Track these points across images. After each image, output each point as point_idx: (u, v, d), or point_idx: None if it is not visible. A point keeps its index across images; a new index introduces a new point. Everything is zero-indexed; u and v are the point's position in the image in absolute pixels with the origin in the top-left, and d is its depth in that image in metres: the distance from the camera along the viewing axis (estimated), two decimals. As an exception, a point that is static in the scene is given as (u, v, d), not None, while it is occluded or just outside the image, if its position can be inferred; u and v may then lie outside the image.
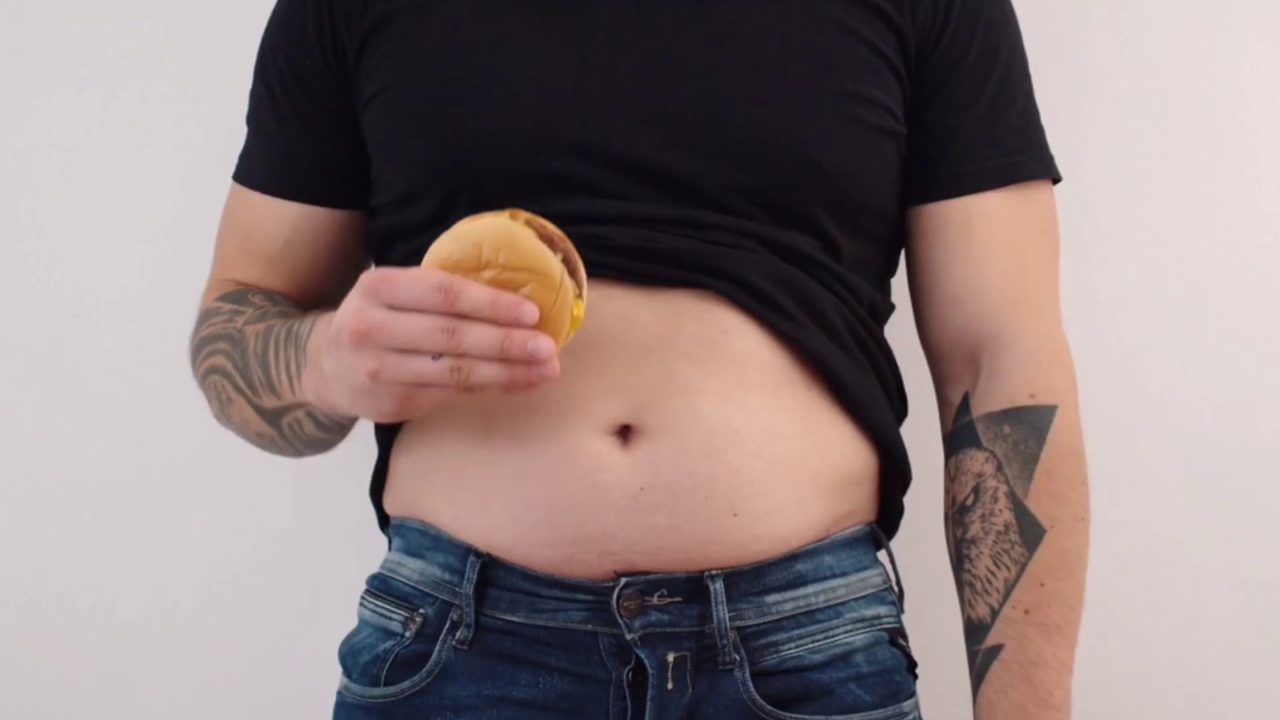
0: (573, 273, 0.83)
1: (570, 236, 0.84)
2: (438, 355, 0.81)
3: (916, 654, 1.03)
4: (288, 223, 1.08)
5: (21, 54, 1.41)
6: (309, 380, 0.93)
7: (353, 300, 0.84)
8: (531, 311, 0.80)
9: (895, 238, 1.07)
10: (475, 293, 0.80)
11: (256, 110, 1.09)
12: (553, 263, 0.82)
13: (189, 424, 1.38)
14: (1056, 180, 1.07)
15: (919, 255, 1.06)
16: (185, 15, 1.41)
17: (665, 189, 0.96)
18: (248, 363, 0.99)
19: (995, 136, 1.03)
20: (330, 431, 1.02)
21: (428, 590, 0.97)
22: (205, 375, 1.04)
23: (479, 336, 0.80)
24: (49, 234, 1.42)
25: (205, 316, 1.06)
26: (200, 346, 1.05)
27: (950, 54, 1.03)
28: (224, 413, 1.04)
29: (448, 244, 0.83)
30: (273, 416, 1.00)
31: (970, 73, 1.03)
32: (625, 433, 0.92)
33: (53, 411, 1.42)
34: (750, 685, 0.94)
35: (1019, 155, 1.04)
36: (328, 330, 0.88)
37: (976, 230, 1.03)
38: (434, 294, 0.80)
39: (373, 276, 0.83)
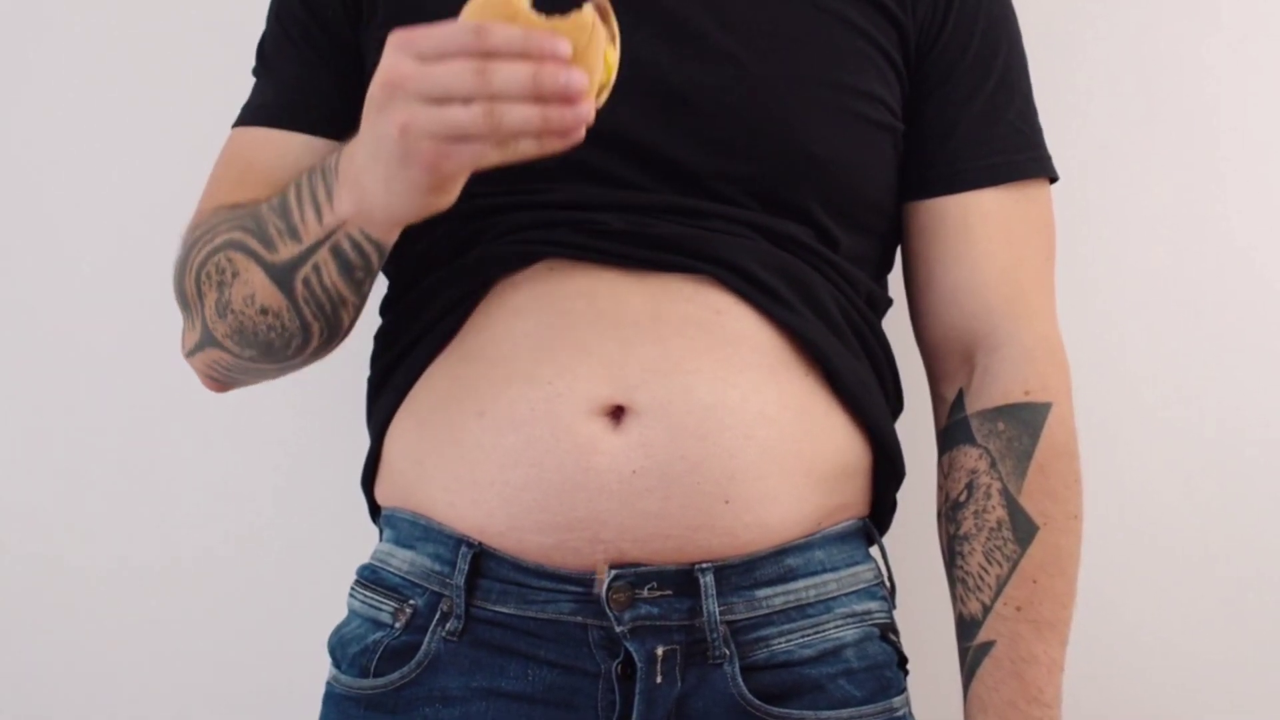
0: (605, 20, 0.80)
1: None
2: (470, 103, 0.77)
3: (908, 650, 1.02)
4: (292, 153, 1.03)
5: (25, 51, 1.42)
6: (342, 189, 0.88)
7: (384, 58, 0.81)
8: (564, 46, 0.76)
9: (892, 233, 1.07)
10: (506, 30, 0.77)
11: (268, 48, 1.07)
12: (586, 7, 0.80)
13: (179, 412, 1.40)
14: (1054, 180, 1.07)
15: (915, 251, 1.06)
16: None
17: (659, 172, 0.96)
18: (262, 220, 0.94)
19: (993, 134, 1.04)
20: (352, 276, 0.92)
21: (418, 581, 0.97)
22: (203, 263, 0.96)
23: (510, 73, 0.76)
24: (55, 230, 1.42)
25: (198, 224, 1.00)
26: (197, 240, 0.98)
27: (949, 51, 1.03)
28: (221, 302, 0.95)
29: (478, 5, 0.80)
30: (289, 270, 0.92)
31: (969, 70, 1.04)
32: (618, 414, 0.92)
33: (45, 400, 1.41)
34: (739, 680, 0.93)
35: (1017, 154, 1.05)
36: (355, 138, 0.85)
37: (973, 228, 1.03)
38: (464, 35, 0.77)
39: (402, 31, 0.80)
